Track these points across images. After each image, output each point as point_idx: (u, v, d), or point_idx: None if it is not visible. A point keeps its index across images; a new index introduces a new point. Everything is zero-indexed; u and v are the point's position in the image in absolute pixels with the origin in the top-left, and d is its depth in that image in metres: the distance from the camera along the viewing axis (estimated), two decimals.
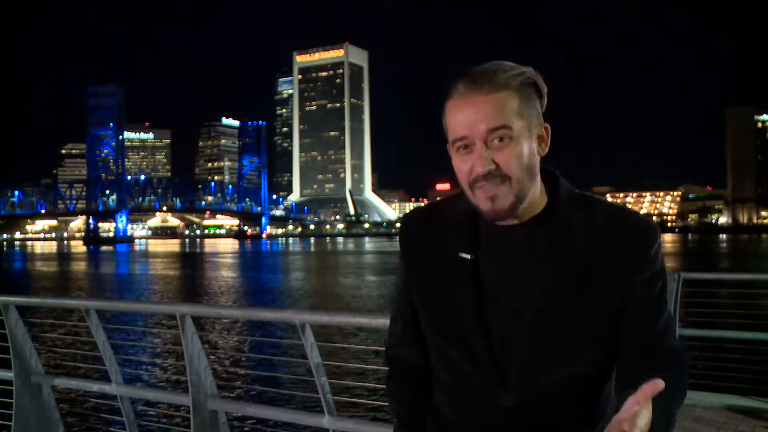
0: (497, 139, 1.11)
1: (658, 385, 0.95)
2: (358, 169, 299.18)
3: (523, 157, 1.12)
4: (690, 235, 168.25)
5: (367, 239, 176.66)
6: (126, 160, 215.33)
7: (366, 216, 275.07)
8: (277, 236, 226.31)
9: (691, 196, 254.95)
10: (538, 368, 1.14)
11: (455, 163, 1.17)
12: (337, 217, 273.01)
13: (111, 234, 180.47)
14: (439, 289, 1.22)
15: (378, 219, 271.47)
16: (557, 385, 1.15)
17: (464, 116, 1.12)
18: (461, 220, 1.23)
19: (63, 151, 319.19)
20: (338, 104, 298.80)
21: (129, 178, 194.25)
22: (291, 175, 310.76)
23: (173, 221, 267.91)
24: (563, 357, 1.14)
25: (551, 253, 1.14)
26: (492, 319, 1.17)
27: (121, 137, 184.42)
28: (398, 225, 1.37)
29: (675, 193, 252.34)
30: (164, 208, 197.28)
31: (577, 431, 1.17)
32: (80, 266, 57.91)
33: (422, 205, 1.40)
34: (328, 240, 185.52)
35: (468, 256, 1.19)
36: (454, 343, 1.20)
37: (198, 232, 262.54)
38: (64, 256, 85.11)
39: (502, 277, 1.18)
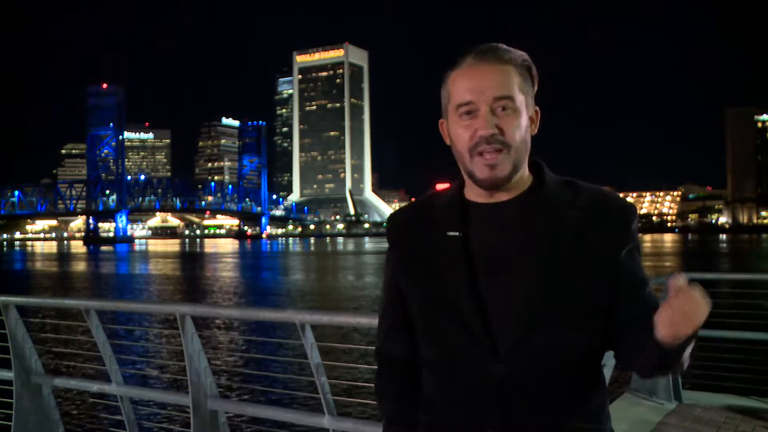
0: (501, 107, 1.18)
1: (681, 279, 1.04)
2: (358, 169, 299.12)
3: (521, 128, 1.20)
4: (690, 235, 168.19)
5: (367, 239, 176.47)
6: (126, 160, 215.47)
7: (366, 216, 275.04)
8: (277, 236, 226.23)
9: (691, 196, 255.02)
10: (530, 337, 1.17)
11: (455, 130, 1.22)
12: (337, 217, 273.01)
13: (111, 234, 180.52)
14: (430, 270, 1.25)
15: (378, 219, 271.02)
16: (548, 352, 1.18)
17: (472, 82, 1.19)
18: (448, 203, 1.28)
19: (63, 151, 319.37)
20: (338, 104, 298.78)
21: (129, 178, 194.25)
22: (291, 175, 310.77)
23: (173, 221, 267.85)
24: (552, 325, 1.18)
25: (542, 227, 1.19)
26: (483, 291, 1.20)
27: (121, 137, 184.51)
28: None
29: (675, 193, 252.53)
30: (164, 208, 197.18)
31: (569, 402, 1.21)
32: (80, 266, 57.88)
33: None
34: (328, 240, 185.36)
35: (456, 234, 1.23)
36: (449, 318, 1.22)
37: (198, 232, 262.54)
38: (64, 256, 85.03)
39: (492, 251, 1.21)
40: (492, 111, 1.18)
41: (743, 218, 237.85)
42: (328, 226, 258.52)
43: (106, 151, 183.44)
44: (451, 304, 1.22)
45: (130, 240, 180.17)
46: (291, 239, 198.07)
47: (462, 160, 1.22)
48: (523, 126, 1.20)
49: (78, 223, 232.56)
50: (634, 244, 1.23)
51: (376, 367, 1.43)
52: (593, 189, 1.24)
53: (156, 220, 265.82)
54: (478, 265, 1.21)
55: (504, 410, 1.18)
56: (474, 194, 1.26)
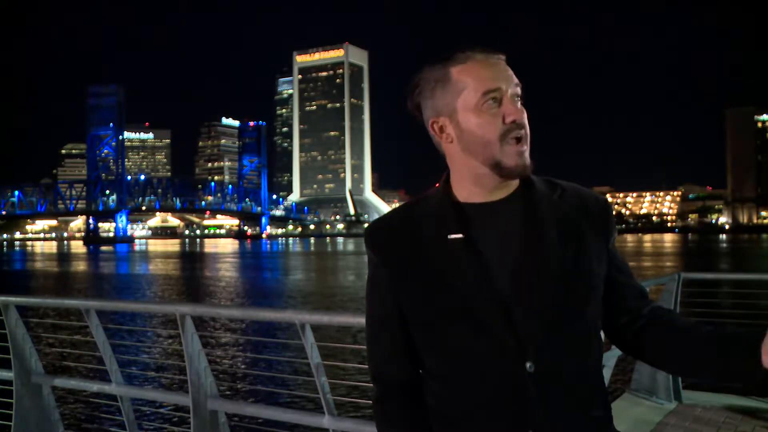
0: (516, 96, 1.21)
1: None
2: (358, 169, 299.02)
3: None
4: (690, 235, 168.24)
5: None
6: (126, 160, 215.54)
7: (366, 216, 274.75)
8: (277, 236, 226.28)
9: (691, 196, 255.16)
10: (554, 330, 1.18)
11: (479, 121, 1.19)
12: (337, 217, 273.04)
13: (111, 234, 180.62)
14: (437, 277, 1.21)
15: None
16: (572, 344, 1.20)
17: (492, 71, 1.20)
18: (440, 207, 1.25)
19: (63, 151, 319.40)
20: (338, 104, 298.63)
21: (129, 178, 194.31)
22: (291, 175, 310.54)
23: (173, 221, 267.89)
24: (573, 316, 1.20)
25: (545, 223, 1.21)
26: (500, 291, 1.19)
27: (121, 137, 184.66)
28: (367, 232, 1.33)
29: (675, 193, 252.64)
30: (164, 208, 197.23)
31: (592, 390, 1.25)
32: (80, 266, 57.90)
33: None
34: (328, 240, 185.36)
35: (458, 236, 1.21)
36: (466, 324, 1.19)
37: (198, 232, 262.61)
38: (64, 256, 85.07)
39: (499, 250, 1.20)
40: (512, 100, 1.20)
41: (743, 218, 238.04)
42: (328, 226, 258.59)
43: (106, 151, 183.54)
44: (468, 311, 1.18)
45: (130, 240, 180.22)
46: (291, 239, 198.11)
47: (488, 149, 1.20)
48: None
49: (78, 223, 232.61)
50: (616, 232, 1.30)
51: (374, 392, 1.36)
52: (572, 185, 1.28)
53: (156, 220, 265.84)
54: (486, 266, 1.19)
55: (539, 408, 1.18)
56: (467, 195, 1.24)
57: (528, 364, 1.17)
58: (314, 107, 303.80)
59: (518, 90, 1.21)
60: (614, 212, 1.32)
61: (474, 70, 1.20)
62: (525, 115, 1.21)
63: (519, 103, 1.21)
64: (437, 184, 1.32)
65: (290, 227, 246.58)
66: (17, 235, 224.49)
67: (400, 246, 1.26)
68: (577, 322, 1.21)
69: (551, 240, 1.20)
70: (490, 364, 1.19)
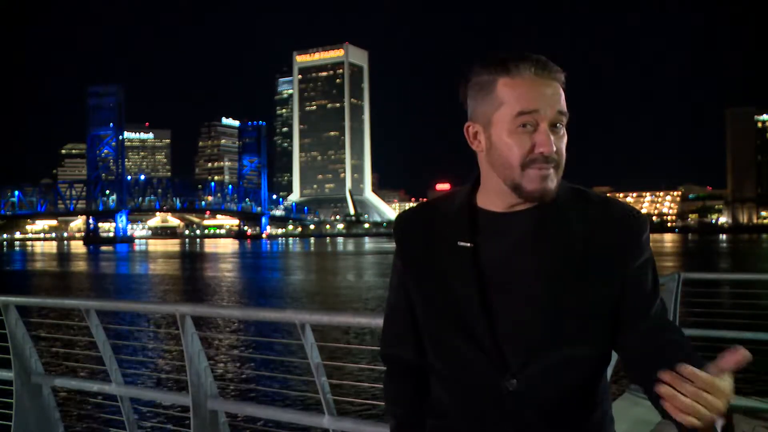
0: (555, 125, 1.16)
1: (742, 354, 0.90)
2: (358, 169, 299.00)
3: (565, 148, 1.20)
4: (690, 235, 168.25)
5: (367, 239, 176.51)
6: (126, 160, 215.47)
7: (366, 216, 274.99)
8: (277, 236, 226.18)
9: (691, 196, 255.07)
10: (540, 351, 1.16)
11: (505, 140, 1.17)
12: (337, 217, 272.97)
13: (111, 234, 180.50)
14: (440, 279, 1.23)
15: (378, 219, 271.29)
16: (559, 367, 1.17)
17: (537, 93, 1.15)
18: (458, 211, 1.25)
19: (63, 151, 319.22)
20: (338, 104, 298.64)
21: (129, 178, 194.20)
22: (291, 175, 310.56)
23: (173, 221, 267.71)
24: (564, 340, 1.16)
25: (552, 239, 1.18)
26: (494, 304, 1.18)
27: (121, 137, 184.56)
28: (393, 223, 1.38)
29: (675, 193, 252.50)
30: (164, 208, 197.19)
31: (577, 414, 1.22)
32: (80, 266, 57.89)
33: (415, 204, 1.43)
34: (328, 240, 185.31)
35: (467, 244, 1.21)
36: (457, 330, 1.21)
37: (198, 232, 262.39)
38: (64, 256, 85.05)
39: (502, 263, 1.19)
40: (551, 129, 1.16)
41: (743, 218, 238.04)
42: (328, 226, 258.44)
43: (106, 151, 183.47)
44: (459, 317, 1.20)
45: (130, 240, 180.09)
46: (291, 239, 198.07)
47: (508, 171, 1.17)
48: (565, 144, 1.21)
49: (78, 223, 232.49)
50: (646, 256, 1.20)
51: (376, 368, 1.41)
52: (603, 199, 1.23)
53: (156, 220, 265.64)
54: (488, 277, 1.19)
55: (516, 423, 1.19)
56: (488, 202, 1.24)
57: (510, 381, 1.17)
58: (314, 107, 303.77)
59: (563, 117, 1.17)
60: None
61: (518, 87, 1.15)
62: (563, 144, 1.18)
63: (561, 130, 1.18)
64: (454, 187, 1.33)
65: (290, 227, 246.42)
66: (17, 235, 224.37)
67: (414, 243, 1.29)
68: (572, 345, 1.17)
69: (554, 259, 1.16)
70: (476, 374, 1.20)
